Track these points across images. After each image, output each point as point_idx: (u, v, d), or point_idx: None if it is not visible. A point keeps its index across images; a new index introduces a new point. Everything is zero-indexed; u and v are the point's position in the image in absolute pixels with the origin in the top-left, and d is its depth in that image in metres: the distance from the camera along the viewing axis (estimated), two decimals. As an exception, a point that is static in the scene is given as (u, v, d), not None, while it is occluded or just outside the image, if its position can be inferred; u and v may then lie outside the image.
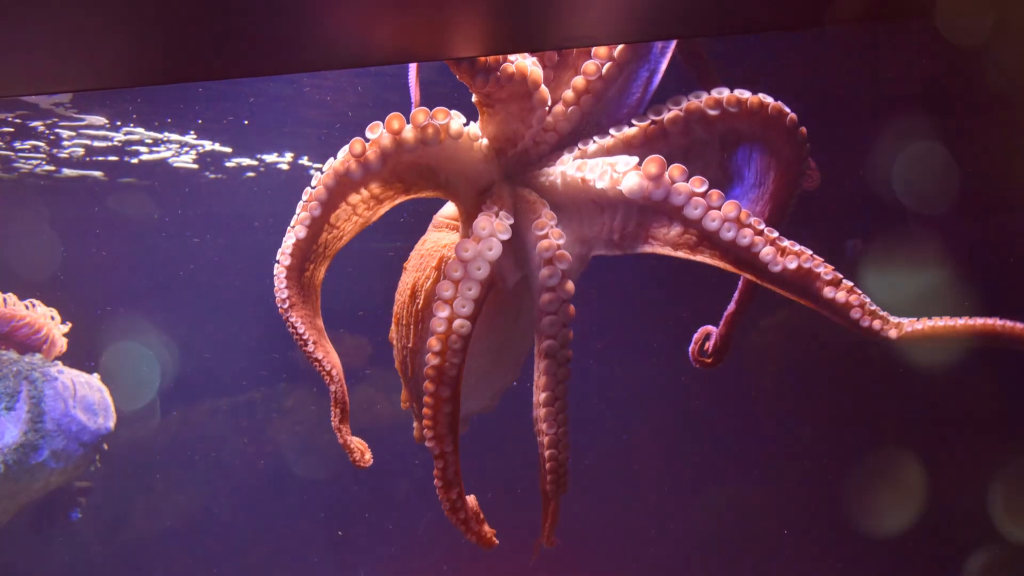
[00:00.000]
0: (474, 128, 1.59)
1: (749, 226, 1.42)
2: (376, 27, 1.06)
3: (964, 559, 4.53)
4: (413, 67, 1.78)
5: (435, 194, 1.62)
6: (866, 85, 3.74)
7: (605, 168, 1.49)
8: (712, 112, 1.55)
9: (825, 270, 1.42)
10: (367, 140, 1.48)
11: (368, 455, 1.67)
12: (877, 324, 1.42)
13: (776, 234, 1.44)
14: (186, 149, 5.11)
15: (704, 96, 1.56)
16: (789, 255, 1.42)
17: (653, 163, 1.44)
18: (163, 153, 5.17)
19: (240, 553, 6.29)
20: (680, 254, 1.48)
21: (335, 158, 1.51)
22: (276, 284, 1.54)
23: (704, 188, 1.44)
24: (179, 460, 6.50)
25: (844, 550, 5.15)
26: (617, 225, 1.54)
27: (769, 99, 1.56)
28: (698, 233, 1.45)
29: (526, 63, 1.49)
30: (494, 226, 1.48)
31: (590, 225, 1.58)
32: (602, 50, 1.57)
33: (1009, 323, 1.42)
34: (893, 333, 1.42)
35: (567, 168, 1.56)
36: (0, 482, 3.58)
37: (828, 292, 1.41)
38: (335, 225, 1.56)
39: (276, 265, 1.55)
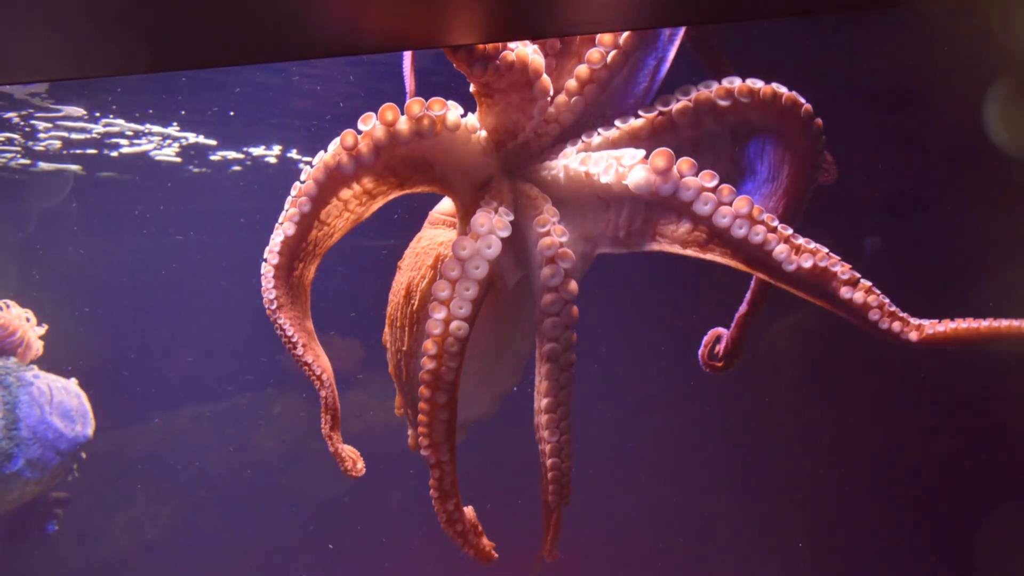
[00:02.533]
0: (472, 119, 1.59)
1: (762, 223, 1.42)
2: (368, 12, 1.06)
3: (985, 565, 4.53)
4: (408, 55, 1.78)
5: (431, 189, 1.62)
6: (887, 74, 3.74)
7: (610, 161, 1.49)
8: (723, 103, 1.55)
9: (842, 269, 1.42)
10: (359, 132, 1.48)
11: (360, 464, 1.67)
12: (897, 326, 1.43)
13: (790, 231, 1.44)
14: (168, 142, 5.11)
15: (715, 86, 1.56)
16: (804, 253, 1.42)
17: (661, 156, 1.44)
18: (144, 146, 5.17)
19: (225, 568, 6.29)
20: (689, 252, 1.48)
21: (325, 151, 1.51)
22: (263, 284, 1.54)
23: (715, 183, 1.44)
24: (161, 470, 6.50)
25: (859, 560, 5.15)
26: (623, 222, 1.54)
27: (783, 89, 1.56)
28: (708, 230, 1.45)
29: (527, 51, 1.49)
30: (493, 223, 1.48)
31: (594, 222, 1.58)
32: (607, 37, 1.57)
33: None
34: (914, 336, 1.42)
35: (570, 162, 1.56)
36: (-28, 493, 3.58)
37: (845, 292, 1.41)
38: (325, 222, 1.56)
39: (263, 264, 1.55)
